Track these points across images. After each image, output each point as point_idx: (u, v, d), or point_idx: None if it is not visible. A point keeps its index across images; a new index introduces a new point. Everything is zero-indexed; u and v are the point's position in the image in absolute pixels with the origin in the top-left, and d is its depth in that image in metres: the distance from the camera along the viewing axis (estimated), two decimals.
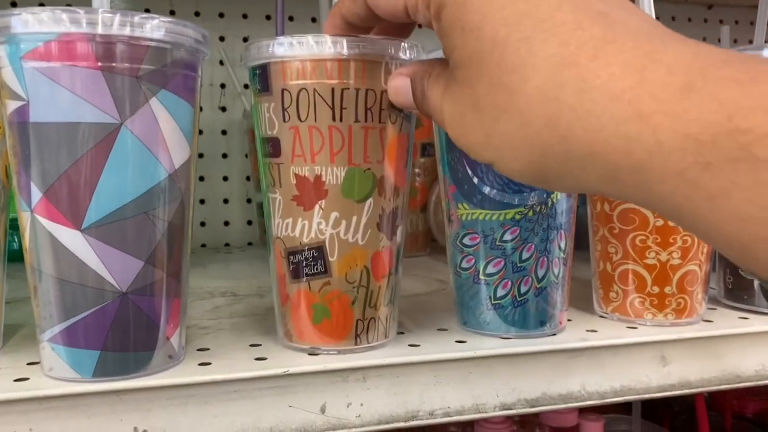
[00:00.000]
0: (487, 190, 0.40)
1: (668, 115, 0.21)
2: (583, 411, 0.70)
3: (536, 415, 0.73)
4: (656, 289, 0.43)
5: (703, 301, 0.45)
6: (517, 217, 0.40)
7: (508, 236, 0.40)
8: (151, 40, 0.32)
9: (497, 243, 0.40)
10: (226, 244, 0.88)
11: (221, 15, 0.87)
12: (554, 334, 0.42)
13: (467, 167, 0.40)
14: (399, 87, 0.33)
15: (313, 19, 0.88)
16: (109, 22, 0.31)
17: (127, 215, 0.32)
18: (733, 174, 0.20)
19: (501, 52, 0.25)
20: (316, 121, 0.35)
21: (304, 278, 0.37)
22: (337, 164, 0.35)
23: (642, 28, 0.24)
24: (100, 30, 0.31)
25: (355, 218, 0.36)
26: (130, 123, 0.32)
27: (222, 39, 0.87)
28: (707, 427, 0.69)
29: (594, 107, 0.23)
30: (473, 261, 0.41)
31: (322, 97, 0.35)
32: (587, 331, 0.43)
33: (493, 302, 0.41)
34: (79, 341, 0.33)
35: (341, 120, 0.35)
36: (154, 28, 0.32)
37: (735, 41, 1.06)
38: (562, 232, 0.41)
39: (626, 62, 0.22)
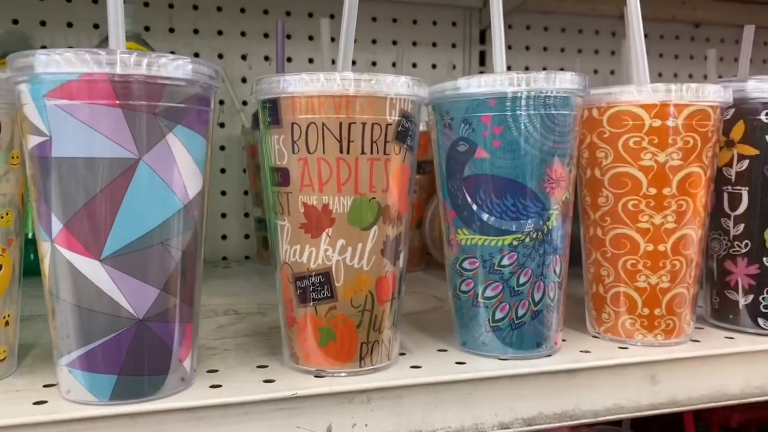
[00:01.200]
0: (485, 217, 0.41)
1: None
2: (573, 429, 0.72)
3: None
4: (646, 311, 0.45)
5: (691, 322, 0.47)
6: (515, 243, 0.41)
7: (506, 261, 0.42)
8: (168, 78, 0.33)
9: (495, 268, 0.42)
10: (224, 258, 0.90)
11: (220, 32, 0.88)
12: (550, 355, 0.43)
13: (467, 195, 0.42)
14: None
15: (311, 38, 0.90)
16: (128, 62, 0.32)
17: (144, 245, 0.34)
18: None
19: None
20: (324, 153, 0.37)
21: (311, 303, 0.38)
22: (344, 194, 0.37)
23: None
24: (118, 70, 0.32)
25: (360, 245, 0.38)
26: (147, 158, 0.33)
27: (221, 56, 0.88)
28: None
29: None
30: (472, 284, 0.43)
31: (330, 130, 0.36)
32: (581, 351, 0.45)
33: (491, 324, 0.43)
34: (96, 366, 0.34)
35: (348, 152, 0.37)
36: (171, 67, 0.33)
37: (721, 59, 1.09)
38: (557, 257, 0.43)
39: None
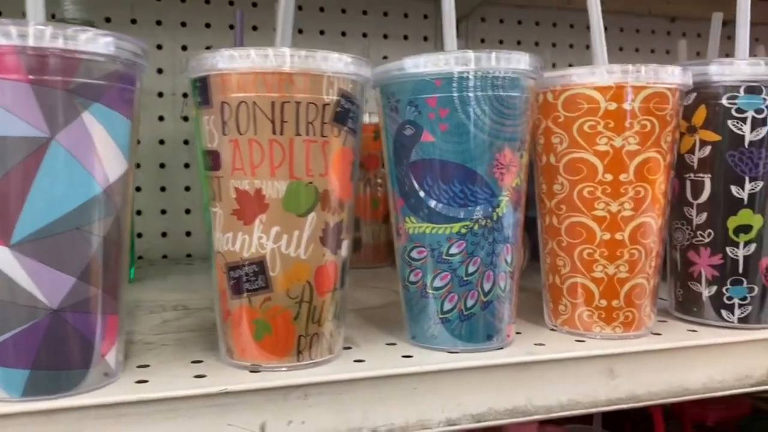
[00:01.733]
0: (433, 204, 0.40)
1: None
2: (543, 423, 0.70)
3: (499, 428, 0.73)
4: (604, 303, 0.43)
5: (651, 314, 0.45)
6: (463, 230, 0.39)
7: (454, 250, 0.40)
8: (84, 53, 0.31)
9: (444, 257, 0.40)
10: (188, 255, 0.87)
11: (183, 24, 0.86)
12: (502, 348, 0.42)
13: (414, 181, 0.40)
14: None
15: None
16: (40, 35, 0.30)
17: (57, 231, 0.31)
18: None
19: None
20: (256, 134, 0.35)
21: (245, 294, 0.36)
22: (278, 178, 0.35)
23: None
24: (30, 42, 0.30)
25: (297, 232, 0.36)
26: (60, 137, 0.31)
27: (185, 48, 0.86)
28: None
29: None
30: (421, 275, 0.41)
31: (262, 110, 0.34)
32: (535, 344, 0.43)
33: (440, 316, 0.41)
34: (7, 360, 0.32)
35: (282, 133, 0.35)
36: (87, 40, 0.31)
37: (698, 54, 1.07)
38: (509, 245, 0.41)
39: None
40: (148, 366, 0.38)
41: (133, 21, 0.84)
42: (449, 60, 0.38)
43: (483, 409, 0.40)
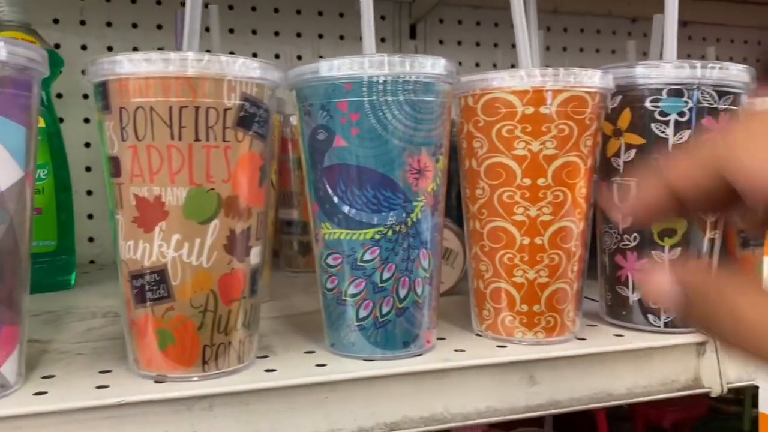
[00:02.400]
0: (346, 209, 0.39)
1: None
2: (492, 427, 0.70)
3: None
4: (525, 308, 0.43)
5: (576, 319, 0.45)
6: (377, 236, 0.39)
7: (368, 256, 0.39)
8: None
9: (358, 263, 0.39)
10: None
11: (135, 25, 0.85)
12: (420, 354, 0.41)
13: (328, 186, 0.39)
14: (658, 287, 0.26)
15: (231, 30, 0.87)
16: None
17: None
18: None
19: None
20: (153, 140, 0.34)
21: (148, 303, 0.36)
22: (177, 184, 0.34)
23: None
24: None
25: (198, 240, 0.35)
26: None
27: (136, 50, 0.85)
28: None
29: None
30: (336, 281, 0.40)
31: (159, 115, 0.34)
32: (455, 350, 0.42)
33: (356, 323, 0.40)
34: None
35: (180, 139, 0.34)
36: None
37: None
38: (425, 251, 0.40)
39: None
40: (53, 376, 0.37)
41: (83, 22, 0.83)
42: (362, 64, 0.38)
43: (397, 418, 0.39)
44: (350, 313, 0.40)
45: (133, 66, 0.34)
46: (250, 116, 0.36)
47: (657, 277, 0.26)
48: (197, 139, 0.34)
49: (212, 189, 0.35)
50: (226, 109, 0.35)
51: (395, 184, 0.39)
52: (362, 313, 0.40)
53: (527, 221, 0.42)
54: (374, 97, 0.38)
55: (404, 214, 0.39)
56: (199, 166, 0.34)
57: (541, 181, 0.41)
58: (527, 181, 0.41)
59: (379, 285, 0.39)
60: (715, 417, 0.90)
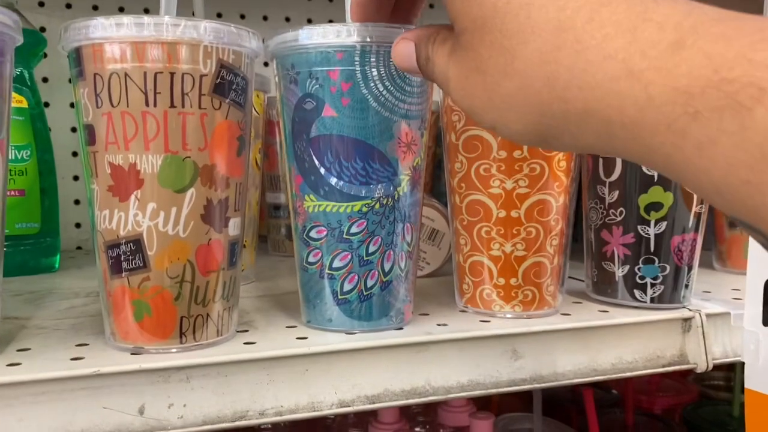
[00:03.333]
0: (334, 181, 0.38)
1: (659, 71, 0.22)
2: (477, 410, 0.70)
3: (436, 415, 0.73)
4: (502, 281, 0.42)
5: (557, 294, 0.44)
6: (364, 209, 0.38)
7: (355, 229, 0.39)
8: None
9: (344, 236, 0.39)
10: None
11: (121, 9, 0.84)
12: (401, 328, 0.41)
13: (314, 157, 0.39)
14: (402, 51, 0.33)
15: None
16: None
17: None
18: (719, 122, 0.21)
19: (502, 18, 0.26)
20: (128, 106, 0.33)
21: (124, 273, 0.35)
22: (152, 152, 0.34)
23: None
24: None
25: (174, 209, 0.34)
26: None
27: None
28: (596, 422, 0.69)
29: (589, 67, 0.24)
30: (320, 255, 0.40)
31: (133, 81, 0.33)
32: (438, 324, 0.42)
33: (339, 297, 0.40)
34: None
35: (155, 105, 0.33)
36: None
37: None
38: (408, 225, 0.40)
39: (619, 23, 0.24)
40: (28, 350, 0.37)
41: (68, 6, 0.82)
42: (351, 31, 0.37)
43: (379, 390, 0.39)
44: (332, 287, 0.40)
45: (107, 30, 0.33)
46: (227, 83, 0.35)
47: (401, 45, 0.33)
48: (172, 106, 0.34)
49: (188, 157, 0.34)
50: (202, 76, 0.34)
51: (384, 157, 0.38)
52: (347, 287, 0.39)
53: (503, 194, 0.42)
54: (366, 67, 0.37)
55: (391, 188, 0.39)
56: (174, 134, 0.34)
57: (516, 154, 0.41)
58: (503, 154, 0.41)
59: (365, 258, 0.39)
60: (705, 402, 0.90)
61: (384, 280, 0.40)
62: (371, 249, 0.39)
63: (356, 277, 0.39)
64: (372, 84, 0.37)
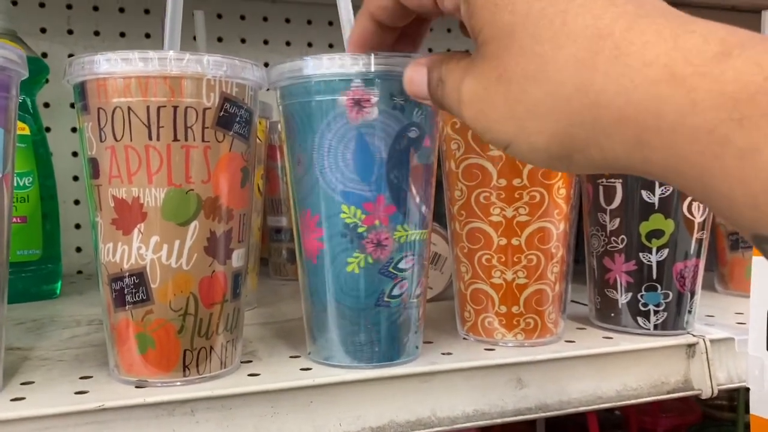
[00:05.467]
0: (424, 209, 0.39)
1: (704, 76, 0.21)
2: (484, 430, 0.69)
3: None
4: (504, 309, 0.42)
5: (559, 321, 0.44)
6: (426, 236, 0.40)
7: (426, 253, 0.41)
8: None
9: (424, 261, 0.40)
10: None
11: (122, 35, 0.85)
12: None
13: (412, 187, 0.38)
14: (413, 76, 0.33)
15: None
16: None
17: None
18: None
19: (535, 24, 0.25)
20: (131, 140, 0.33)
21: (127, 306, 0.35)
22: (155, 185, 0.34)
23: (671, 9, 0.25)
24: None
25: (178, 242, 0.34)
26: None
27: None
28: None
29: (628, 71, 0.23)
30: (406, 286, 0.39)
31: (137, 115, 0.33)
32: (442, 354, 0.42)
33: (417, 324, 0.41)
34: None
35: (158, 139, 0.34)
36: None
37: None
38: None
39: (660, 32, 0.23)
40: (32, 383, 0.37)
41: (70, 32, 0.82)
42: None
43: (384, 422, 0.38)
44: (416, 316, 0.40)
45: (111, 65, 0.33)
46: (231, 116, 0.35)
47: (413, 70, 0.33)
48: (176, 139, 0.34)
49: (191, 190, 0.34)
50: (205, 109, 0.34)
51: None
52: (420, 313, 0.40)
53: (504, 222, 0.42)
54: None
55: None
56: (177, 167, 0.34)
57: (516, 182, 0.41)
58: (503, 182, 0.41)
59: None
60: (709, 423, 0.89)
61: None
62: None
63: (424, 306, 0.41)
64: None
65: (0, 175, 0.33)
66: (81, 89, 0.35)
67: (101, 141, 0.34)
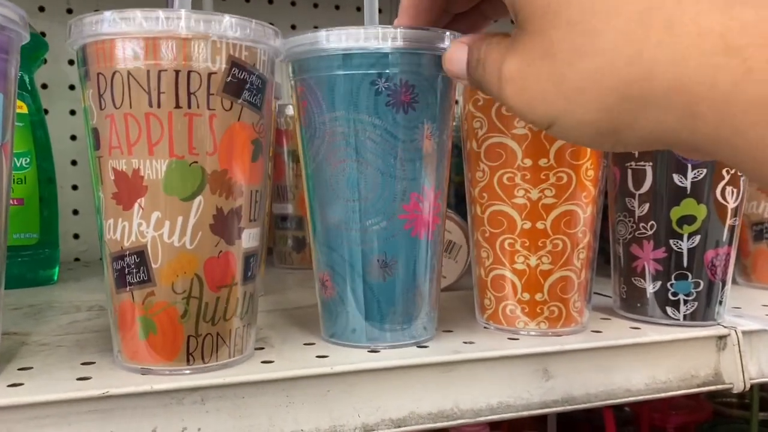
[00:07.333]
0: None
1: (760, 47, 0.21)
2: (494, 426, 0.67)
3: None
4: (527, 296, 0.40)
5: (584, 310, 0.42)
6: None
7: None
8: None
9: None
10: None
11: None
12: (427, 346, 0.38)
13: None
14: (453, 55, 0.32)
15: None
16: None
17: None
18: None
19: None
20: (131, 107, 0.31)
21: (128, 287, 0.32)
22: (156, 156, 0.31)
23: None
24: None
25: (181, 219, 0.32)
26: None
27: None
28: None
29: (681, 40, 0.23)
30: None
31: (136, 80, 0.31)
32: (464, 342, 0.39)
33: None
34: None
35: (159, 106, 0.31)
36: None
37: None
38: None
39: (713, 3, 0.23)
40: (30, 368, 0.34)
41: (69, 11, 0.80)
42: None
43: (404, 413, 0.36)
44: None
45: (110, 26, 0.31)
46: (240, 82, 0.33)
47: (455, 48, 0.32)
48: (178, 107, 0.31)
49: (195, 162, 0.32)
50: (210, 74, 0.32)
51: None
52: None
53: (528, 204, 0.39)
54: None
55: None
56: (180, 137, 0.31)
57: (542, 162, 0.39)
58: (528, 162, 0.39)
59: None
60: (720, 420, 0.87)
61: None
62: None
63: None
64: None
65: None
66: (82, 54, 0.32)
67: (101, 109, 0.32)
